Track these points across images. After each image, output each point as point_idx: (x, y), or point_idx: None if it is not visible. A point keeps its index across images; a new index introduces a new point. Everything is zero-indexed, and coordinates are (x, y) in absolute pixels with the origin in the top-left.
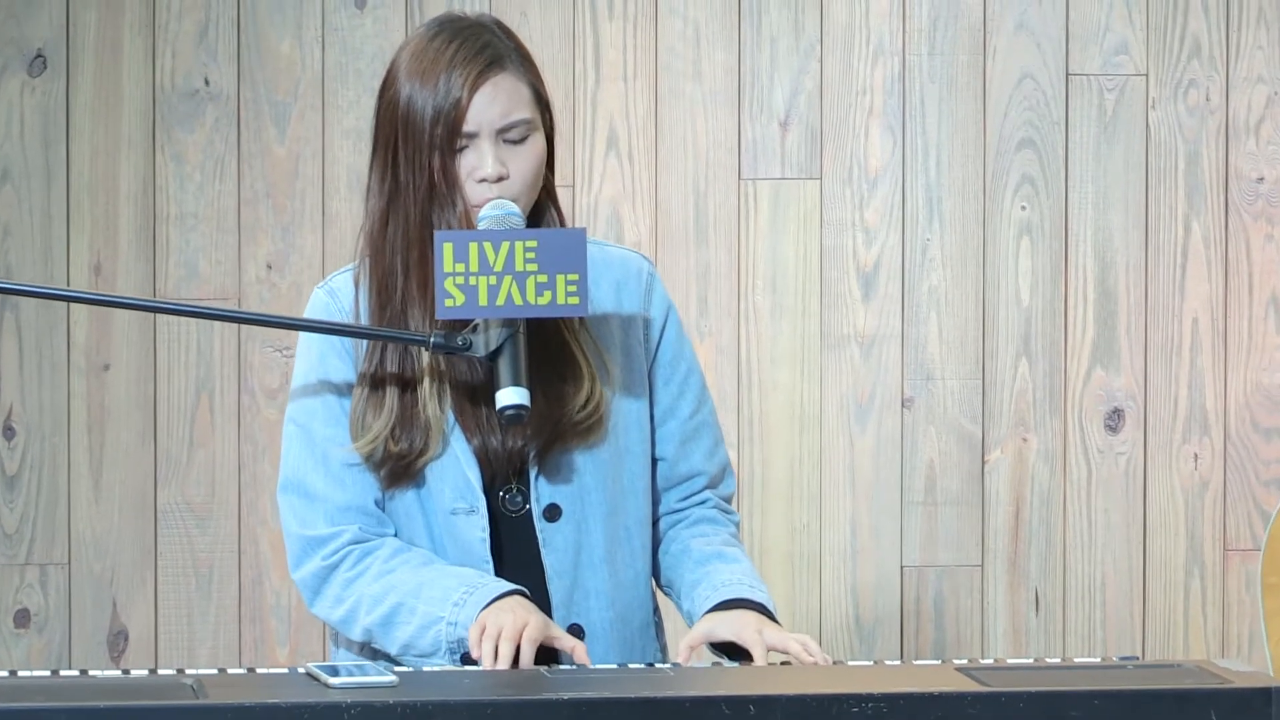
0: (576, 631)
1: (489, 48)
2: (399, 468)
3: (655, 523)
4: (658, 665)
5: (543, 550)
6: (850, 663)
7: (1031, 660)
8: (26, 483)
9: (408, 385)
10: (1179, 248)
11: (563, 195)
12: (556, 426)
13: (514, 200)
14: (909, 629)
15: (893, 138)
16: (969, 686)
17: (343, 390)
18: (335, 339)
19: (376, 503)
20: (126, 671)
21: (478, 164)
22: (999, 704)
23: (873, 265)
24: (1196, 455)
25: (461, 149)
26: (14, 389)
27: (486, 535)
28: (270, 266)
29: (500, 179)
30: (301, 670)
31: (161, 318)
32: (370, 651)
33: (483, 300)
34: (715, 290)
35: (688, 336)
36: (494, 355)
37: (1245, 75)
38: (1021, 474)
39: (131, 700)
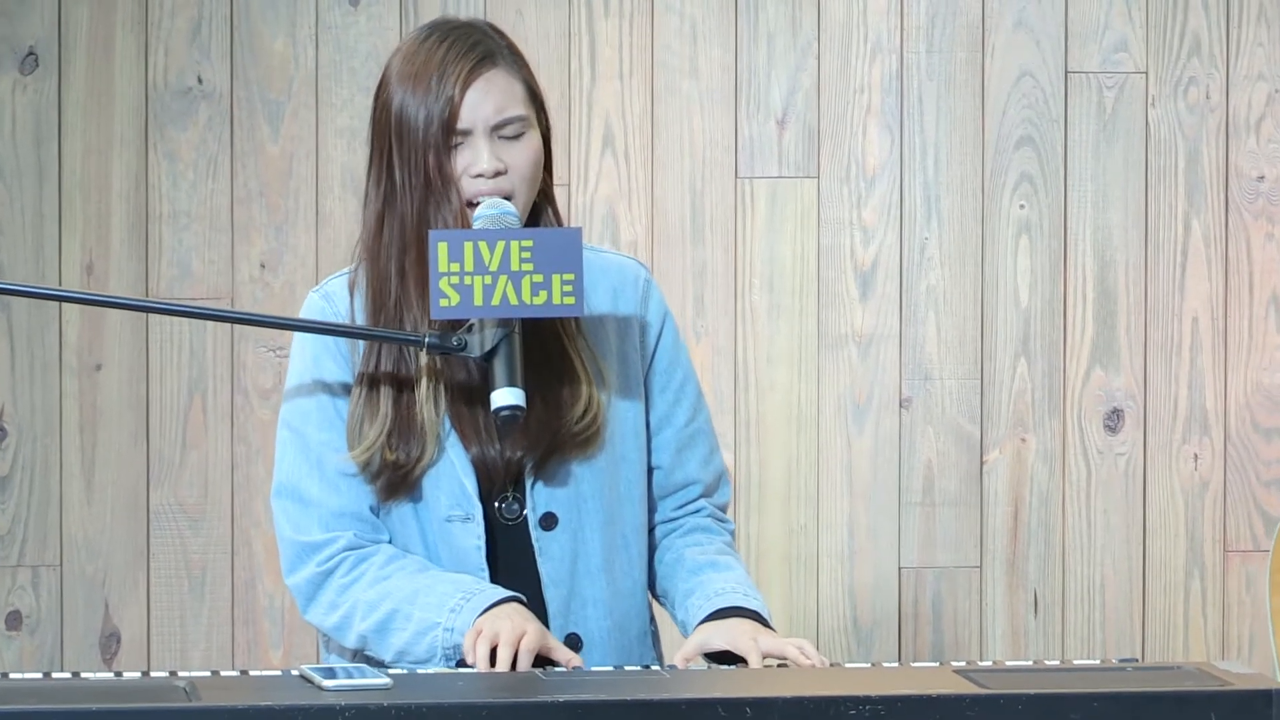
0: (574, 640)
1: (480, 45)
2: (396, 478)
3: (650, 531)
4: (654, 668)
5: (539, 559)
6: (848, 665)
7: (1030, 662)
8: (18, 484)
9: (404, 389)
10: (1179, 247)
11: (558, 194)
12: (555, 437)
13: (512, 195)
14: (907, 631)
15: (890, 136)
16: (967, 689)
17: (337, 392)
18: (329, 341)
19: (371, 509)
20: (119, 674)
21: (473, 160)
22: (997, 706)
23: (870, 264)
24: (1196, 456)
25: (456, 146)
26: (5, 389)
27: (482, 543)
28: (264, 266)
29: (497, 174)
30: (295, 672)
31: (154, 318)
32: (363, 658)
33: (478, 300)
34: (712, 290)
35: (684, 343)
36: (489, 356)
37: (1246, 73)
38: (1020, 474)
39: (124, 703)
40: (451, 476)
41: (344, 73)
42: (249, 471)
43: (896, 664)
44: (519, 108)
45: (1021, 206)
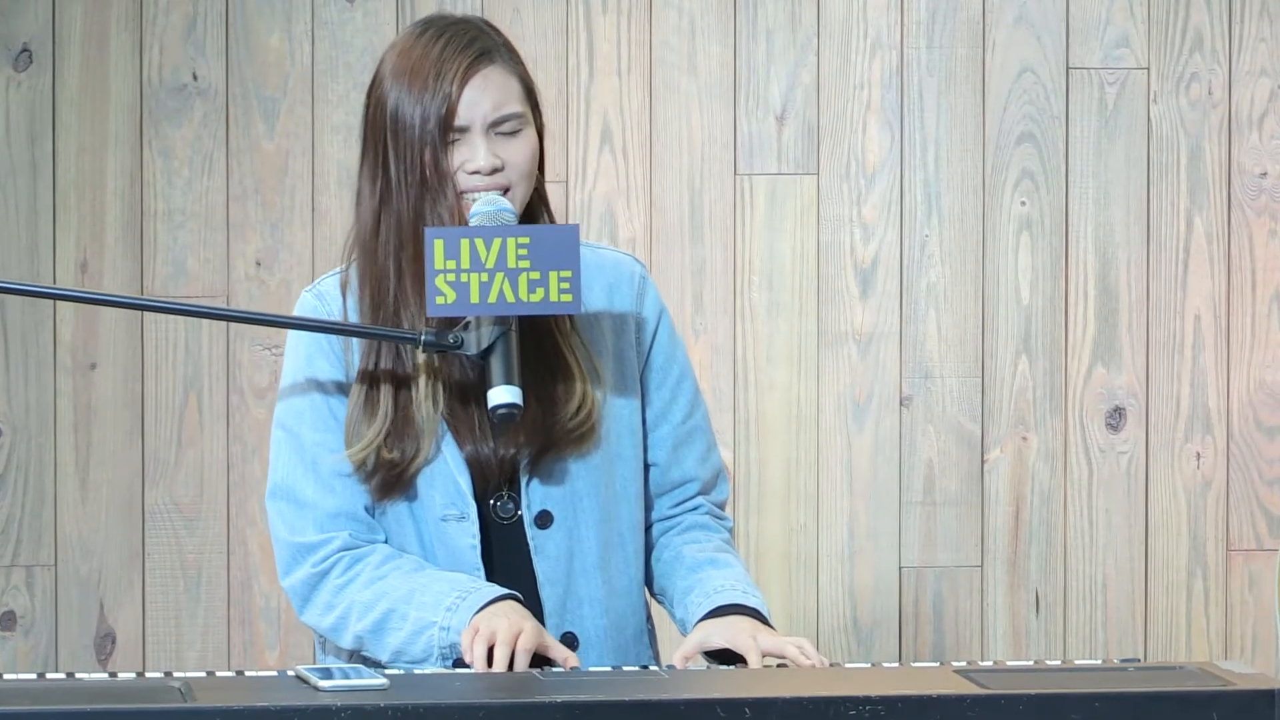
0: (570, 640)
1: (477, 42)
2: (390, 477)
3: (648, 529)
4: (652, 668)
5: (534, 557)
6: (848, 665)
7: (1032, 662)
8: (12, 483)
9: (402, 387)
10: (1181, 244)
11: (556, 191)
12: (550, 434)
13: (509, 190)
14: (907, 631)
15: (891, 132)
16: (968, 689)
17: (330, 392)
18: (323, 340)
19: (367, 509)
20: (113, 674)
21: (470, 157)
22: (998, 707)
23: (870, 262)
24: (1199, 454)
25: (453, 143)
26: None
27: (477, 542)
28: (259, 264)
29: (494, 170)
30: (291, 673)
31: (149, 316)
32: (359, 659)
33: (474, 297)
34: (711, 287)
35: (681, 340)
36: (485, 353)
37: (1248, 68)
38: (1021, 473)
39: (119, 704)
40: (446, 475)
41: (340, 69)
42: (244, 471)
43: (897, 664)
44: (516, 105)
45: (1022, 203)
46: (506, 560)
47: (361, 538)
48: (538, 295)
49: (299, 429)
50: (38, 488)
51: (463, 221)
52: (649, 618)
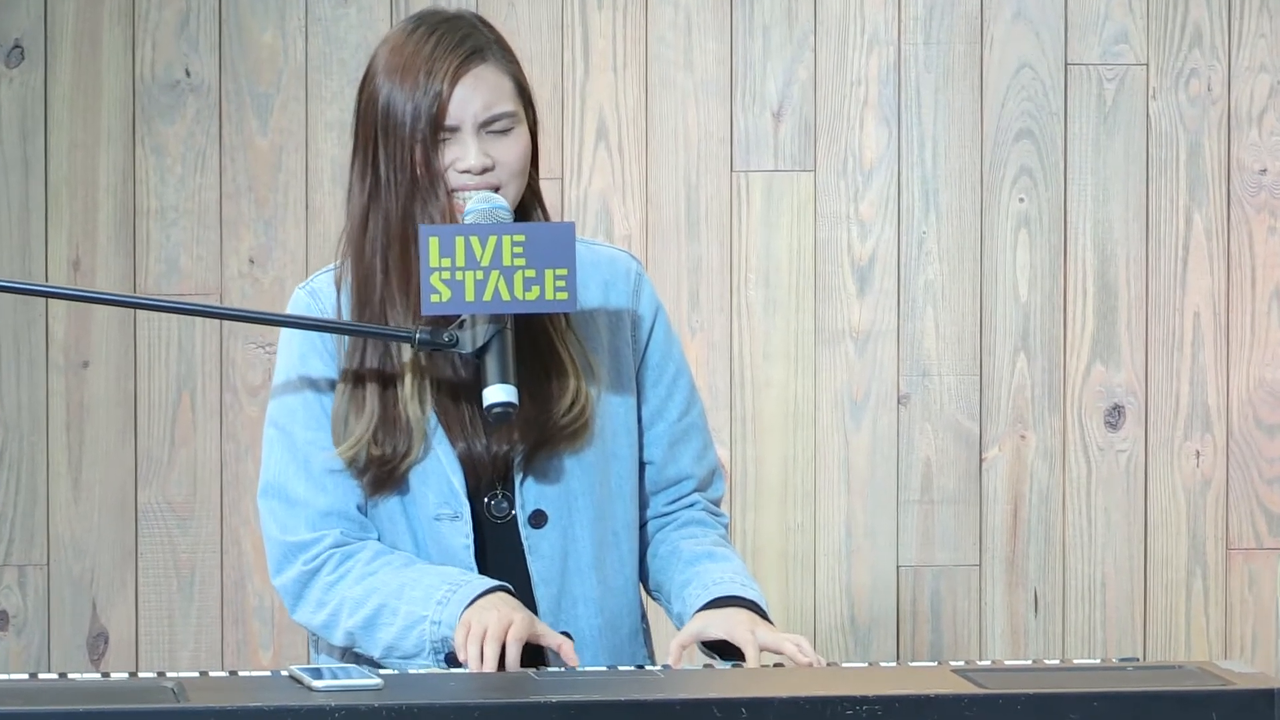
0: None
1: (469, 39)
2: (382, 473)
3: (643, 527)
4: (648, 667)
5: (529, 557)
6: (845, 664)
7: (1030, 662)
8: (4, 482)
9: (389, 385)
10: (1180, 241)
11: (552, 188)
12: (543, 430)
13: (500, 189)
14: (905, 630)
15: (888, 129)
16: (966, 688)
17: (323, 390)
18: (316, 338)
19: (359, 507)
20: (106, 674)
21: (460, 155)
22: (996, 706)
23: (868, 259)
24: (1198, 452)
25: (444, 141)
26: None
27: (470, 542)
28: (252, 261)
29: (485, 170)
30: (284, 673)
31: (142, 314)
32: (352, 658)
33: (469, 296)
34: (707, 285)
35: (677, 337)
36: (480, 352)
37: (1248, 64)
38: (1020, 472)
39: (111, 704)
40: (439, 474)
41: (333, 65)
42: (238, 470)
43: (894, 664)
44: (508, 103)
45: (1021, 200)
46: (500, 560)
47: (353, 536)
48: (533, 293)
49: (291, 427)
50: (30, 486)
51: (453, 220)
52: (644, 617)
